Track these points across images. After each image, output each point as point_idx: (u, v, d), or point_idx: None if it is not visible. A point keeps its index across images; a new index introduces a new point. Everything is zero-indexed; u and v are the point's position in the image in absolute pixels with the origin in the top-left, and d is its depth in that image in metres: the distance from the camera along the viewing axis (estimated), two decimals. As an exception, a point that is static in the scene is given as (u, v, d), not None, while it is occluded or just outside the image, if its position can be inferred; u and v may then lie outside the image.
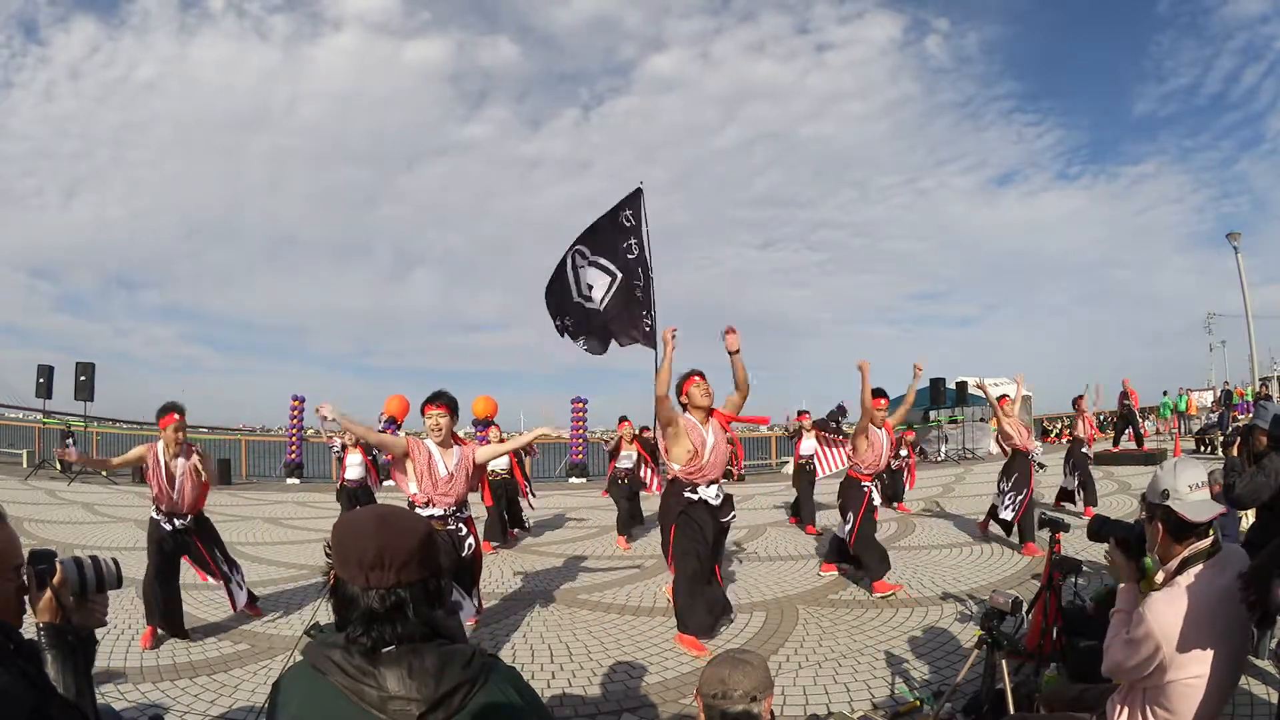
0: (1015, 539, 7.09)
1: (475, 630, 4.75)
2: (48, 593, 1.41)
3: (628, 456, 8.50)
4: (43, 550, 1.46)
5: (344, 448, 8.59)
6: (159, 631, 4.49)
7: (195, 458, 4.84)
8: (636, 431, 8.84)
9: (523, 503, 8.64)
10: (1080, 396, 9.34)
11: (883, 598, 5.35)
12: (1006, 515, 7.09)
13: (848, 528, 5.76)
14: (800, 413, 9.40)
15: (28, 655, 1.29)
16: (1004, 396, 7.93)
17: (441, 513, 4.22)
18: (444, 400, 4.37)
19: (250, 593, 5.17)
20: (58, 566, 1.45)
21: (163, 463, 4.72)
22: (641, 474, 8.43)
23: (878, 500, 5.93)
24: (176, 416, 4.80)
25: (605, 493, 8.47)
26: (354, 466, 8.46)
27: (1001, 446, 7.84)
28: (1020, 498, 7.03)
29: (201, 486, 4.89)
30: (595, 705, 3.62)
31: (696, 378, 4.68)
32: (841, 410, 8.49)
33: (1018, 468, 7.27)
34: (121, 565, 1.57)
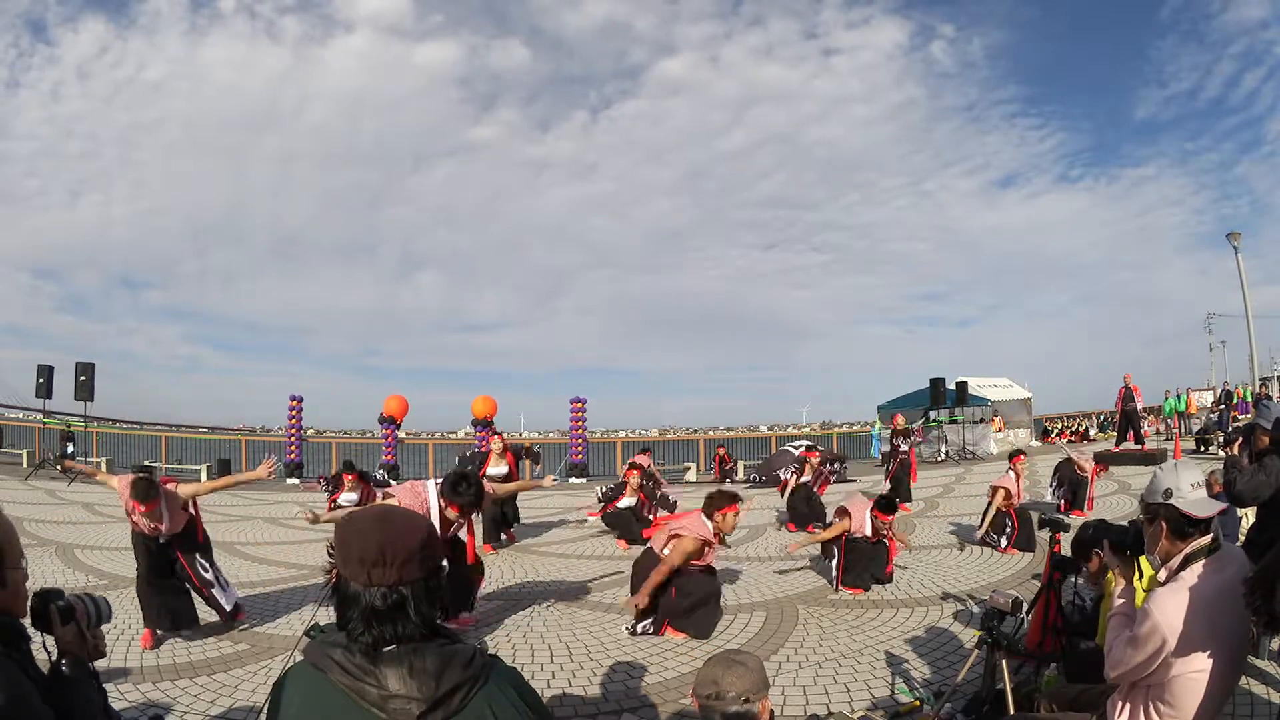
0: (1003, 540, 7.01)
1: (469, 630, 4.76)
2: (72, 626, 1.48)
3: (630, 500, 8.45)
4: (52, 589, 1.54)
5: (336, 489, 9.07)
6: (158, 632, 4.45)
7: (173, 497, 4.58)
8: (644, 470, 8.93)
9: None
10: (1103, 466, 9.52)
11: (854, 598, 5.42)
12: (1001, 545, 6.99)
13: (834, 562, 5.70)
14: (809, 449, 9.85)
15: (25, 652, 1.32)
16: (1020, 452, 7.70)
17: None
18: (466, 500, 4.17)
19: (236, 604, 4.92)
20: (73, 603, 1.54)
21: (141, 516, 4.43)
22: (645, 514, 8.30)
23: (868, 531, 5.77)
24: (143, 508, 4.33)
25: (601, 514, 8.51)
26: (348, 501, 8.94)
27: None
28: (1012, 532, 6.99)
29: (182, 514, 4.61)
30: (595, 705, 3.62)
31: (738, 506, 4.68)
32: (842, 463, 8.76)
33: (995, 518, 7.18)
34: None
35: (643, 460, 9.48)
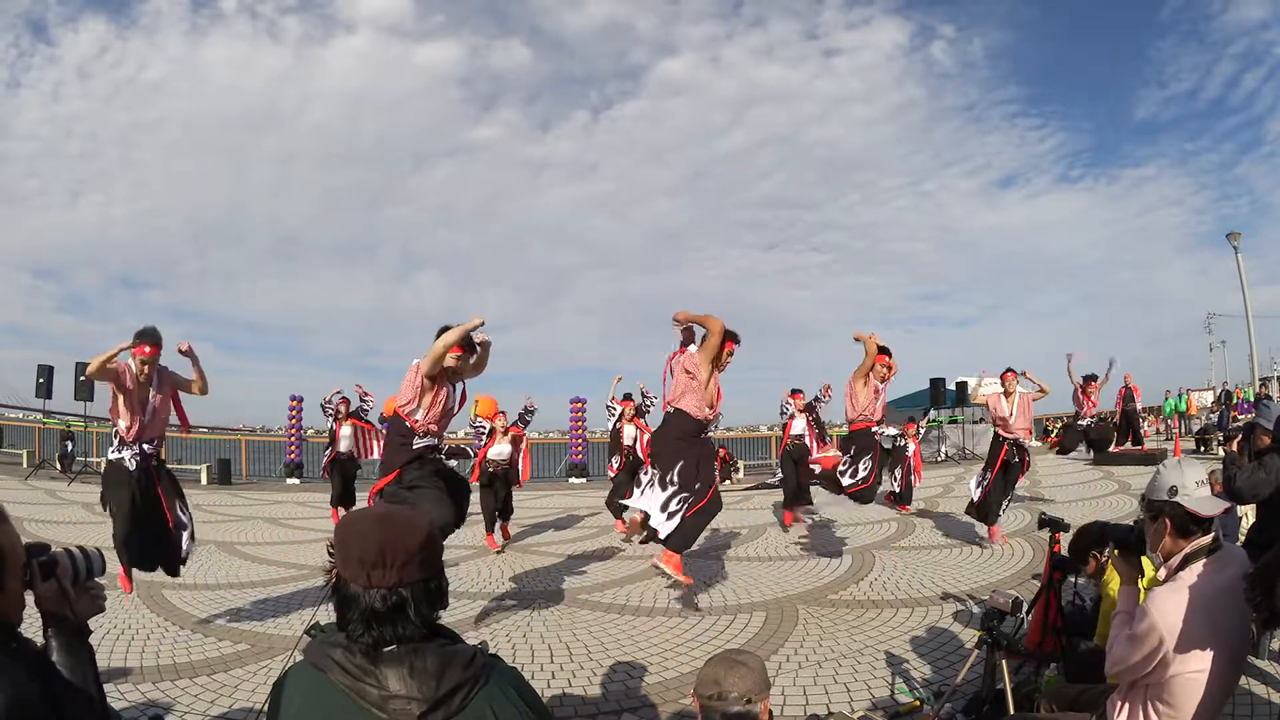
0: (977, 488, 7.19)
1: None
2: (52, 583, 1.43)
3: (631, 431, 8.53)
4: (37, 543, 1.49)
5: (337, 419, 9.10)
6: (133, 574, 4.44)
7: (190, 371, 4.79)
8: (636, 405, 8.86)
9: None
10: (1093, 378, 9.47)
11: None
12: (974, 494, 7.12)
13: (861, 474, 5.79)
14: (794, 391, 9.29)
15: (31, 652, 1.31)
16: (1009, 371, 7.84)
17: (435, 443, 4.45)
18: (464, 342, 4.46)
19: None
20: (56, 558, 1.47)
21: (136, 382, 4.52)
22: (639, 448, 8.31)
23: (886, 445, 6.05)
24: (148, 350, 4.56)
25: (613, 469, 8.54)
26: (345, 439, 9.01)
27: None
28: (986, 478, 7.09)
29: (167, 406, 4.79)
30: (595, 705, 3.62)
31: (733, 345, 4.92)
32: (828, 391, 8.59)
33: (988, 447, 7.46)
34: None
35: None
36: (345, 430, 9.04)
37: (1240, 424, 8.13)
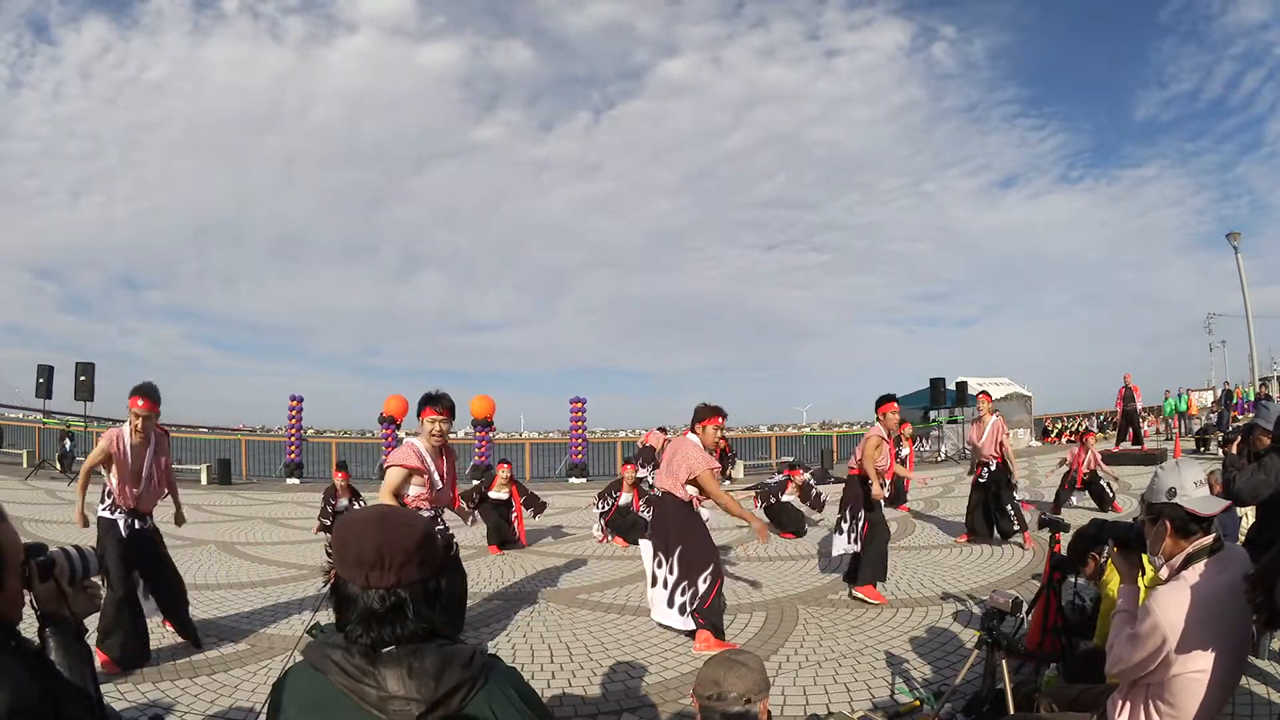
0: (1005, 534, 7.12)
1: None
2: (50, 583, 1.44)
3: (628, 496, 8.49)
4: (35, 544, 1.49)
5: (334, 493, 9.05)
6: (117, 658, 3.95)
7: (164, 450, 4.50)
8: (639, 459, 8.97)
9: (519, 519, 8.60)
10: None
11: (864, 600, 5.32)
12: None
13: (856, 530, 5.46)
14: (791, 467, 9.74)
15: (30, 651, 1.31)
16: (984, 393, 8.27)
17: (432, 513, 4.20)
18: (445, 404, 4.24)
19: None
20: (54, 558, 1.48)
21: (128, 448, 4.30)
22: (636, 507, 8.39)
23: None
24: (142, 403, 4.29)
25: (606, 534, 8.41)
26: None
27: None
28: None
29: (166, 473, 4.53)
30: (595, 705, 3.62)
31: (720, 419, 4.72)
32: (826, 474, 8.63)
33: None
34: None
35: (655, 440, 9.33)
36: (344, 502, 9.05)
37: (1240, 424, 8.14)
